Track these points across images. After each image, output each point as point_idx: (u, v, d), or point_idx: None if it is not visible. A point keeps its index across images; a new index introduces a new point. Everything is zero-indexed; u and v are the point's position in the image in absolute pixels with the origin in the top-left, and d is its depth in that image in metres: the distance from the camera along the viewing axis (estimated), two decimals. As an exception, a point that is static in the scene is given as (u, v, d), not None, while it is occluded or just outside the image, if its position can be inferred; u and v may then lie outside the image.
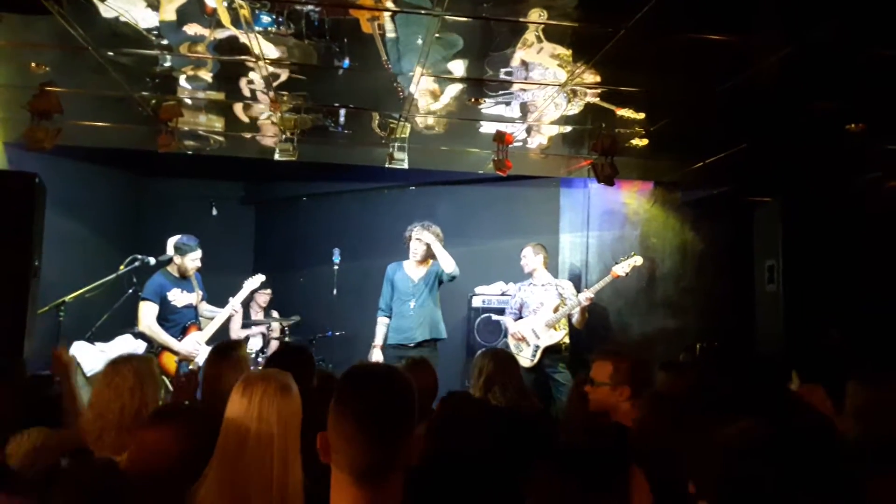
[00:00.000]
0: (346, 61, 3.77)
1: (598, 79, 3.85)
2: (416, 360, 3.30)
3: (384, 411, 1.35)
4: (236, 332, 6.48)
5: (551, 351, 5.60)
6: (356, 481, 1.34)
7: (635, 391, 2.79)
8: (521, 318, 5.86)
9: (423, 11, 3.10)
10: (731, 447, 1.53)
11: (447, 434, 2.18)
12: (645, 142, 4.93)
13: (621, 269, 5.58)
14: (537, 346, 5.60)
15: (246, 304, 6.39)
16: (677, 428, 2.13)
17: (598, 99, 4.20)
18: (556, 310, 5.64)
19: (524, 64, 3.69)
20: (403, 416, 1.38)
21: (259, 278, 5.95)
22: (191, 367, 5.29)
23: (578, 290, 5.84)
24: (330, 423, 1.38)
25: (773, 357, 5.17)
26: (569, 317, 5.67)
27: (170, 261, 5.41)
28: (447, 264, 5.57)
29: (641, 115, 4.41)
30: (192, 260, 5.35)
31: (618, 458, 1.78)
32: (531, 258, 5.83)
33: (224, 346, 3.12)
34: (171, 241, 5.46)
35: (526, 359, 5.59)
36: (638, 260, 5.60)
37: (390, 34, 3.37)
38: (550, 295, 5.72)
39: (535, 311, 5.72)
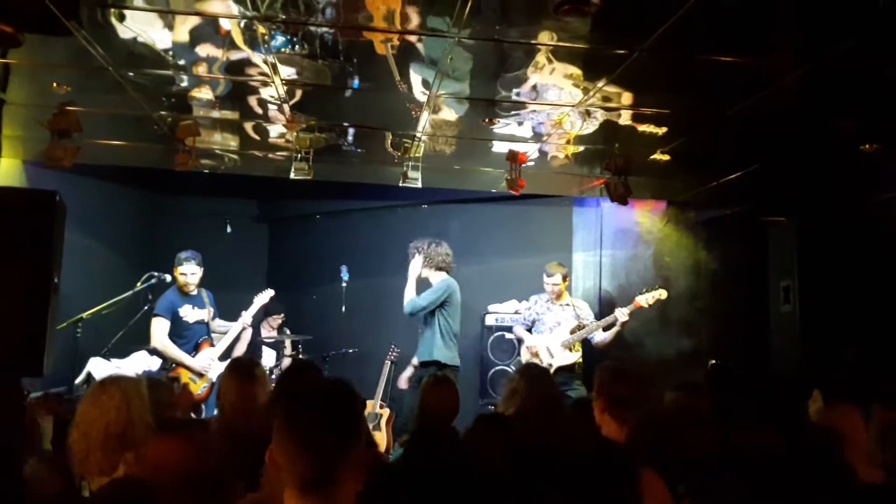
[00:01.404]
0: (357, 82, 3.81)
1: (612, 99, 3.87)
2: (437, 378, 3.31)
3: (320, 427, 1.41)
4: (242, 349, 6.49)
5: (564, 370, 5.57)
6: (300, 493, 1.40)
7: (609, 403, 2.79)
8: (530, 331, 5.84)
9: (437, 34, 3.13)
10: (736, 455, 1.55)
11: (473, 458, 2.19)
12: (666, 157, 4.90)
13: (644, 300, 5.54)
14: (550, 365, 5.58)
15: (257, 324, 6.42)
16: (667, 442, 2.14)
17: (613, 116, 4.20)
18: (573, 331, 5.61)
19: (537, 85, 3.71)
20: (341, 432, 1.42)
21: (269, 293, 5.99)
22: (202, 383, 5.31)
23: (594, 313, 5.82)
24: (273, 439, 1.43)
25: (790, 377, 5.11)
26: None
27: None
28: (405, 296, 5.57)
29: (662, 130, 4.35)
30: (183, 273, 5.40)
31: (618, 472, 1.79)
32: (559, 283, 5.72)
33: (246, 364, 3.12)
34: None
35: None
36: (663, 294, 5.56)
37: (404, 56, 3.40)
38: (568, 315, 5.69)
39: (552, 330, 5.69)
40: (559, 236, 6.83)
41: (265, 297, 5.98)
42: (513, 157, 4.79)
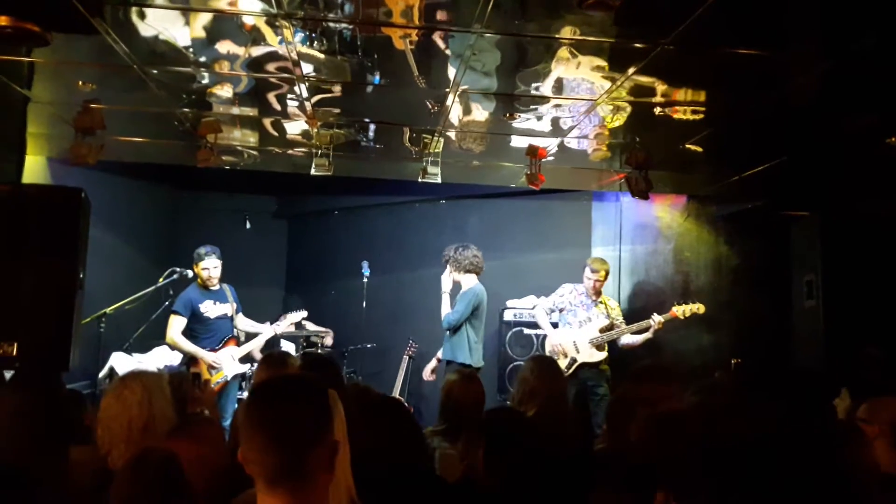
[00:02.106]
0: (377, 78, 3.81)
1: (633, 94, 3.84)
2: (463, 374, 3.34)
3: (280, 421, 1.41)
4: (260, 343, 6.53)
5: (589, 367, 5.54)
6: (268, 488, 1.40)
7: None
8: (554, 324, 5.78)
9: (457, 29, 3.13)
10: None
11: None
12: (694, 148, 4.84)
13: (682, 311, 5.48)
14: (574, 360, 5.54)
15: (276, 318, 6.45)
16: (677, 445, 2.14)
17: (635, 109, 4.17)
18: (602, 330, 5.58)
19: (558, 79, 3.69)
20: (303, 425, 1.42)
21: (302, 314, 6.01)
22: (216, 377, 5.33)
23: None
24: (240, 433, 1.45)
25: (817, 374, 5.06)
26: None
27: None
28: (441, 311, 5.63)
29: (689, 118, 4.24)
30: (205, 269, 5.39)
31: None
32: (602, 279, 5.63)
33: (279, 357, 3.15)
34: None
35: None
36: (701, 308, 5.50)
37: (423, 51, 3.40)
38: (599, 312, 5.66)
39: (581, 325, 5.65)
40: (578, 231, 6.81)
41: (298, 316, 6.00)
42: (532, 151, 4.77)
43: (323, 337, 6.76)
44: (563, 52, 3.32)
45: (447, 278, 5.68)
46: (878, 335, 4.96)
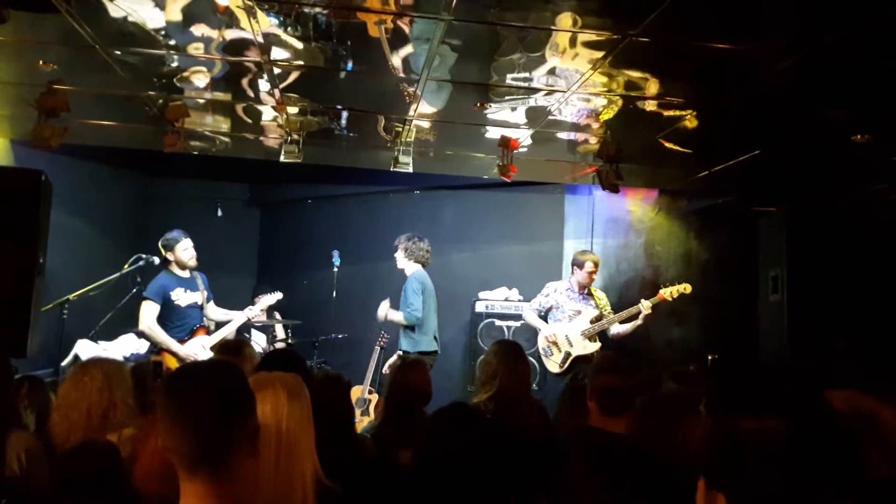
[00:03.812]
0: (350, 64, 3.77)
1: (604, 85, 3.84)
2: (406, 360, 3.30)
3: (187, 409, 1.41)
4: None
5: (584, 360, 5.52)
6: (187, 475, 1.40)
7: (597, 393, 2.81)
8: (545, 319, 5.78)
9: (429, 16, 3.10)
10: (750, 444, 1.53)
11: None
12: (665, 143, 4.87)
13: (668, 292, 5.54)
14: (569, 354, 5.55)
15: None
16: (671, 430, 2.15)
17: (605, 102, 4.18)
18: (593, 321, 5.59)
19: (531, 69, 3.68)
20: (224, 406, 1.42)
21: (277, 296, 5.95)
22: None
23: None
24: (158, 420, 1.45)
25: (779, 367, 5.14)
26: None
27: (167, 261, 5.40)
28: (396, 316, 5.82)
29: (664, 112, 4.26)
30: (183, 251, 5.33)
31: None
32: (592, 274, 5.68)
33: (234, 344, 3.11)
34: (159, 244, 5.44)
35: (555, 364, 5.57)
36: (687, 288, 5.56)
37: (397, 38, 3.37)
38: (588, 305, 5.67)
39: (571, 318, 5.65)
40: (551, 224, 6.84)
41: (272, 298, 5.92)
42: (505, 142, 4.77)
43: (283, 329, 6.69)
44: (535, 41, 3.31)
45: (400, 261, 5.89)
46: (839, 329, 5.05)
